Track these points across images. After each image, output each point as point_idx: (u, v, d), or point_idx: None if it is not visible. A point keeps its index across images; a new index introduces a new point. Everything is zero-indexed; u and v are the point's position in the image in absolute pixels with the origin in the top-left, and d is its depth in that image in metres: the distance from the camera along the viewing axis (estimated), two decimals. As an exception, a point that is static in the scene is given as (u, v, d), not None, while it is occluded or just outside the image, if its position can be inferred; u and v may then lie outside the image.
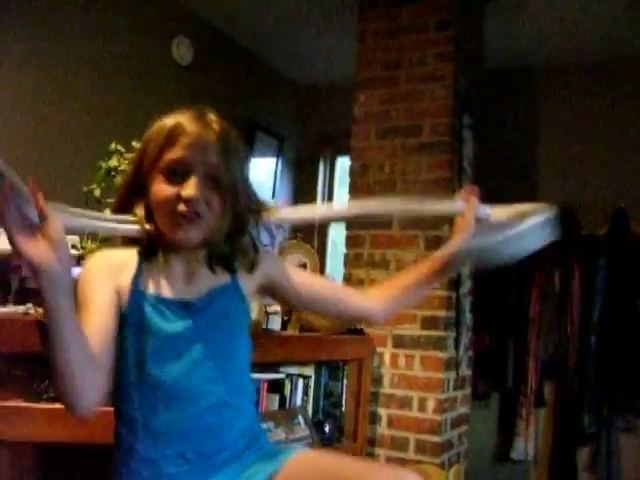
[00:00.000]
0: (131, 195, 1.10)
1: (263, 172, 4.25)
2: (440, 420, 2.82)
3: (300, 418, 2.39)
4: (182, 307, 1.08)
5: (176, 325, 1.06)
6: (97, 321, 1.00)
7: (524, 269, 3.48)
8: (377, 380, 2.92)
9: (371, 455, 2.87)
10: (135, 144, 1.81)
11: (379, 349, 2.93)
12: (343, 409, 2.64)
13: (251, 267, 1.16)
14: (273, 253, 1.35)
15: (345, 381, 2.65)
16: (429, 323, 2.86)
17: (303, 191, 4.62)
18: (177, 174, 1.04)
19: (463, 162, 3.04)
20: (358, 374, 2.65)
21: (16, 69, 2.78)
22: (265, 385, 2.25)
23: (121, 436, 1.07)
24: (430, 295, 2.86)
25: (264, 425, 2.05)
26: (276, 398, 2.33)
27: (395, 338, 2.92)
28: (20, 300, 1.61)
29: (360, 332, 2.76)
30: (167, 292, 1.08)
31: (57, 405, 1.42)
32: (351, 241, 3.12)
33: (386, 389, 2.93)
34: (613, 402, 3.26)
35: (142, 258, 1.09)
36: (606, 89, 3.69)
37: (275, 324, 2.31)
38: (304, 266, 2.57)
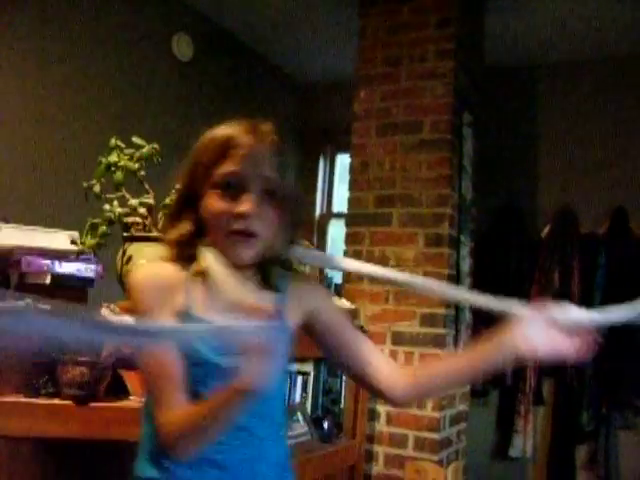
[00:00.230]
0: (183, 210, 1.05)
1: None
2: (439, 417, 2.82)
3: (299, 415, 2.40)
4: None
5: (222, 357, 1.00)
6: (179, 365, 0.97)
7: (524, 267, 3.48)
8: (376, 377, 2.92)
9: (370, 452, 2.88)
10: (135, 140, 1.81)
11: (378, 346, 2.91)
12: (342, 406, 2.64)
13: (296, 287, 1.12)
14: (324, 288, 1.31)
15: (344, 378, 2.65)
16: (428, 320, 2.86)
17: (303, 188, 4.61)
18: (231, 188, 1.00)
19: (463, 160, 3.04)
20: (357, 371, 2.64)
21: (17, 65, 2.78)
22: (264, 382, 2.25)
23: (159, 457, 1.01)
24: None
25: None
26: (275, 395, 2.33)
27: (394, 335, 2.92)
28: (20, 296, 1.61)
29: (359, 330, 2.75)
30: (216, 318, 1.02)
31: (55, 400, 1.42)
32: (350, 238, 3.12)
33: (385, 386, 2.93)
34: (612, 400, 3.27)
35: (188, 275, 1.03)
36: (606, 88, 3.69)
37: (274, 321, 2.30)
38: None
